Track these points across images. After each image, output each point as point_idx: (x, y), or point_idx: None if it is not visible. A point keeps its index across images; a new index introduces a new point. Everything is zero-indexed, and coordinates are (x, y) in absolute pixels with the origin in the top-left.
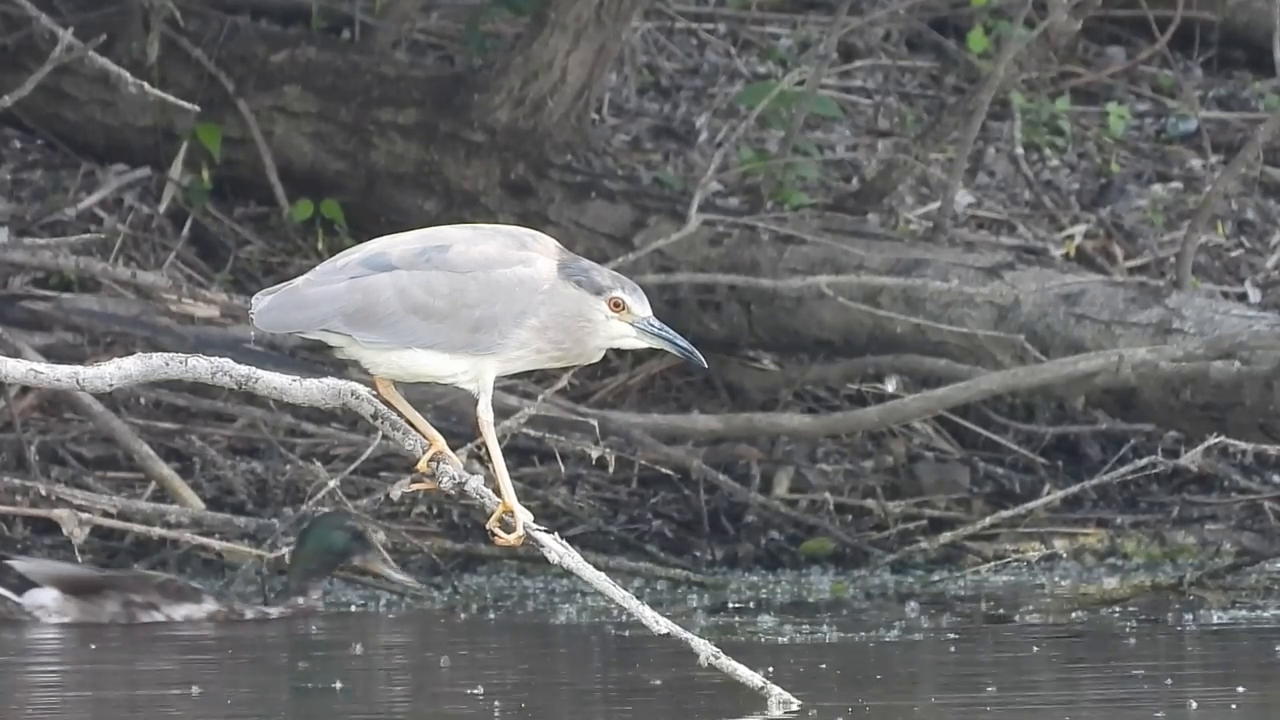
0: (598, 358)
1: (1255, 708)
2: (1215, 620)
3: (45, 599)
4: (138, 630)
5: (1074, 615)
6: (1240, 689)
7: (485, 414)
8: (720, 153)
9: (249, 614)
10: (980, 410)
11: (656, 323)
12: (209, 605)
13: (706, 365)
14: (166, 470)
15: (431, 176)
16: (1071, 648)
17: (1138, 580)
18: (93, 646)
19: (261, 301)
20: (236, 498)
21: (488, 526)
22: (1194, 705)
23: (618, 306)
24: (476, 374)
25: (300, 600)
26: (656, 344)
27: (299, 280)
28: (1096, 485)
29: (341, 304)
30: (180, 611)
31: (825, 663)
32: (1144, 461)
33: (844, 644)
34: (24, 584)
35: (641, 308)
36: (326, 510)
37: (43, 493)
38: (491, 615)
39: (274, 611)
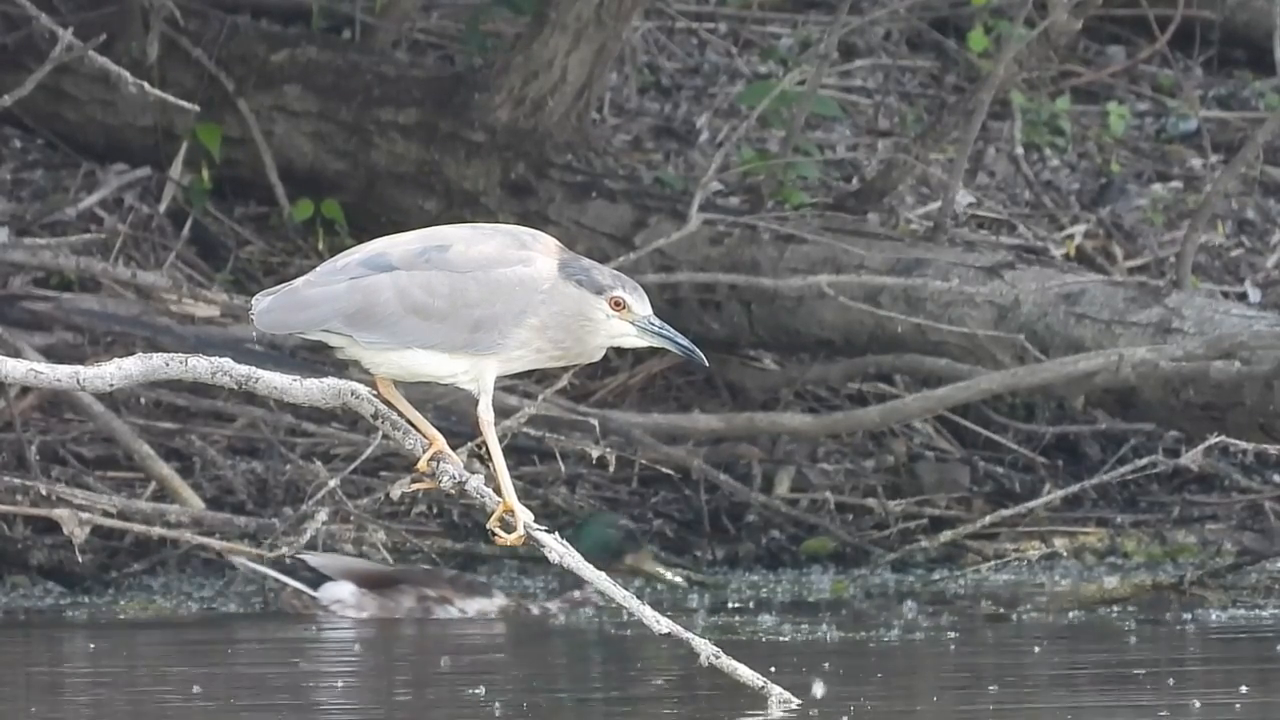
0: (598, 357)
1: (1259, 708)
2: (1216, 620)
3: (342, 593)
4: (430, 625)
5: (1074, 615)
6: (1243, 689)
7: (486, 414)
8: (721, 152)
9: (534, 609)
10: (980, 410)
11: (657, 321)
12: (499, 600)
13: (707, 364)
14: (167, 470)
15: (432, 176)
16: (1072, 647)
17: (1138, 580)
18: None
19: (262, 302)
20: (237, 497)
21: (488, 526)
22: (1197, 705)
23: (618, 305)
24: (477, 374)
25: (576, 594)
26: (657, 343)
27: (299, 281)
28: (1096, 485)
29: (342, 305)
30: (474, 606)
31: (826, 662)
32: (1144, 461)
33: (845, 643)
34: (318, 578)
35: (642, 306)
36: (598, 510)
37: (43, 492)
38: (492, 615)
39: (553, 606)
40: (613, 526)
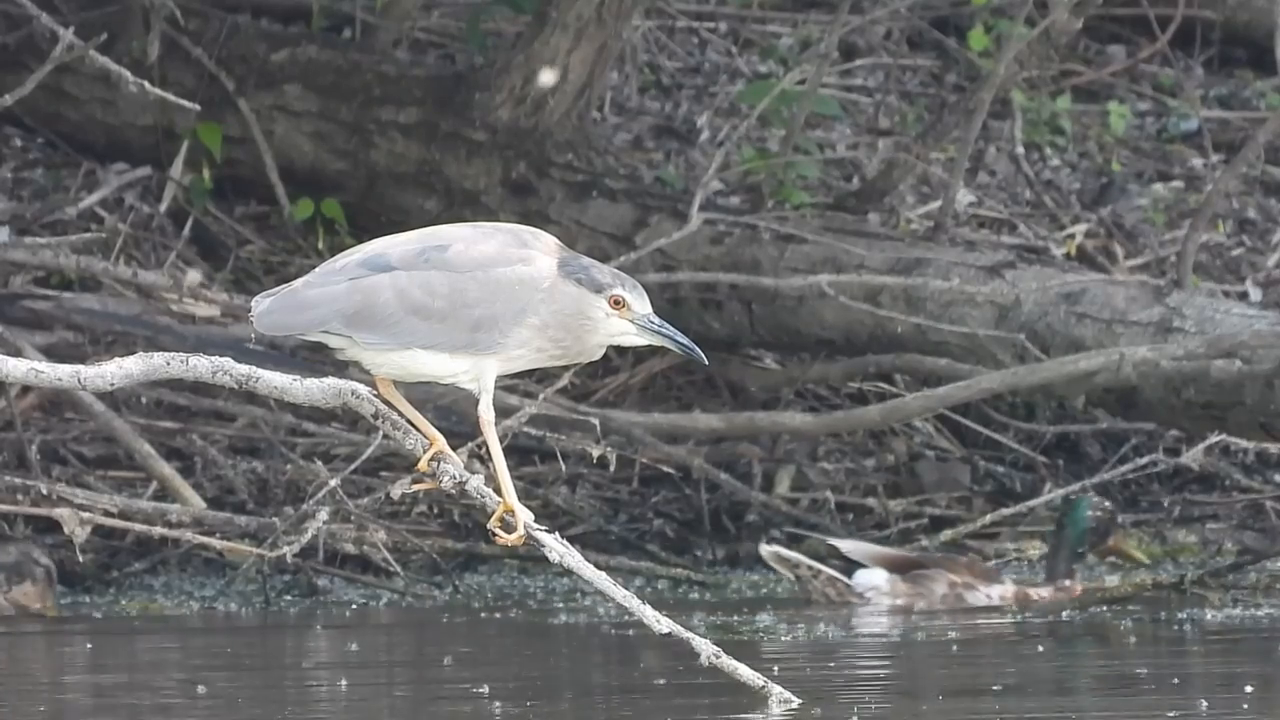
0: (599, 355)
1: (1266, 708)
2: (1218, 620)
3: (877, 580)
4: (959, 613)
5: (1074, 614)
6: (1248, 689)
7: (486, 413)
8: (721, 151)
9: (1034, 595)
10: (981, 409)
11: (657, 320)
12: (1010, 587)
13: (707, 361)
14: (167, 469)
15: (432, 175)
16: (1074, 647)
17: (1139, 579)
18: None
19: (261, 304)
20: (237, 497)
21: (489, 526)
22: (1204, 705)
23: (618, 304)
24: (477, 373)
25: (1067, 582)
26: (657, 341)
27: (298, 282)
28: (1097, 484)
29: (341, 305)
30: (995, 591)
31: (826, 661)
32: (1145, 460)
33: (845, 643)
34: (849, 565)
35: (642, 305)
36: (1079, 495)
37: (44, 492)
38: (497, 615)
39: (1045, 592)
40: (1100, 509)
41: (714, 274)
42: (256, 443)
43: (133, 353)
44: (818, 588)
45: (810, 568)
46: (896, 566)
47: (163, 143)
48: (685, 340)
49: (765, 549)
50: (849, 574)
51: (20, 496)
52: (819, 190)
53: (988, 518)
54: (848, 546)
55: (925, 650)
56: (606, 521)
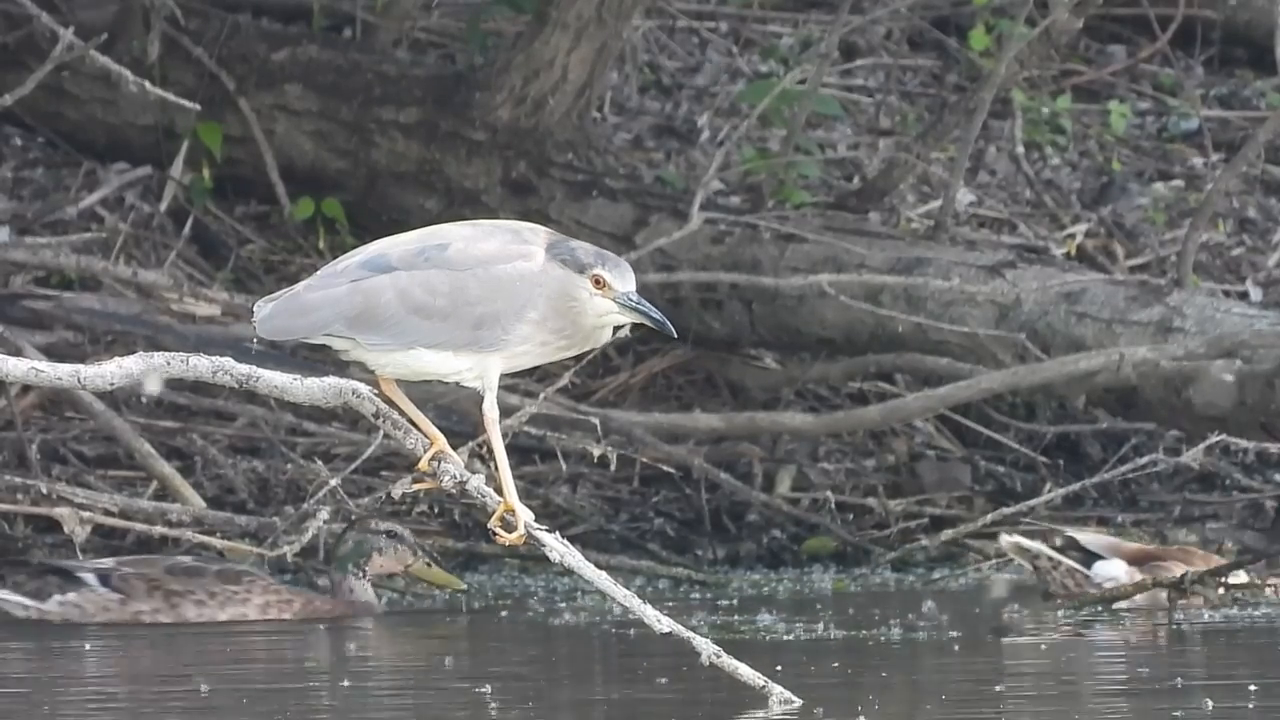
0: (601, 342)
1: (1267, 708)
2: (1210, 619)
3: (1115, 571)
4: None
5: (1075, 613)
6: (1252, 688)
7: (491, 411)
8: (722, 151)
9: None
10: (981, 409)
11: (636, 296)
12: (1244, 578)
13: (676, 335)
14: (168, 469)
15: (433, 175)
16: (1074, 645)
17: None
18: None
19: (263, 309)
20: (238, 496)
21: (489, 525)
22: (1210, 705)
23: (599, 283)
24: (481, 371)
25: None
26: (636, 318)
27: (299, 285)
28: (1097, 484)
29: (343, 308)
30: (1233, 582)
31: (827, 661)
32: (1145, 460)
33: (846, 642)
34: (1088, 557)
35: (623, 283)
36: None
37: (44, 491)
38: (498, 615)
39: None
40: None
41: (714, 273)
42: (257, 442)
43: (133, 352)
44: (1057, 579)
45: (1050, 559)
46: (1135, 558)
47: (163, 142)
48: (658, 315)
49: (1005, 539)
50: (1088, 565)
51: (20, 496)
52: (819, 190)
53: (988, 518)
54: (1087, 538)
55: (928, 650)
56: (607, 521)
